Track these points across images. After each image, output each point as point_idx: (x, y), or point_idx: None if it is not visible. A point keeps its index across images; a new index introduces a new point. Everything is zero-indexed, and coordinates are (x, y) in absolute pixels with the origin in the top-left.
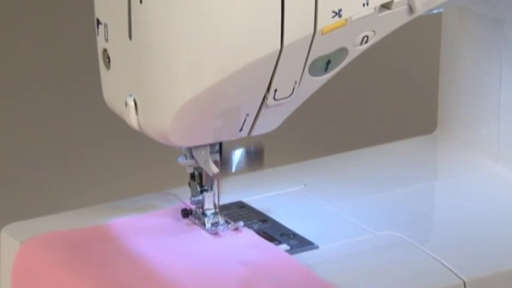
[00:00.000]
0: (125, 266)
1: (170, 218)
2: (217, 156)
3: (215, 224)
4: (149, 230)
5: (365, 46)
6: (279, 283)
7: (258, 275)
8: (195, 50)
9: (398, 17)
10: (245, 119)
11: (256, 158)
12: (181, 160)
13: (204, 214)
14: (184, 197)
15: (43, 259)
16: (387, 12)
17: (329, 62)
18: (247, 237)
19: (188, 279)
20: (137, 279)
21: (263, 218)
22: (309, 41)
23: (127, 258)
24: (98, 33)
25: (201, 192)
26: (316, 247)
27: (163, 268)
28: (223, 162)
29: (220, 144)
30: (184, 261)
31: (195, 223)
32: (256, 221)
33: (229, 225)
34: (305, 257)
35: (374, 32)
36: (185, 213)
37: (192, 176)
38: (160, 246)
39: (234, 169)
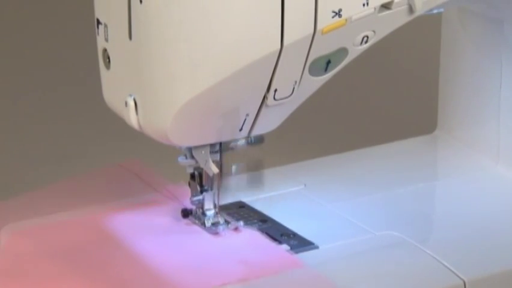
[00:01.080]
0: (122, 264)
1: (170, 217)
2: (217, 156)
3: (215, 224)
4: (148, 230)
5: (365, 46)
6: (279, 282)
7: (258, 274)
8: (195, 50)
9: (398, 17)
10: (245, 119)
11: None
12: (181, 160)
13: (204, 214)
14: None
15: (28, 251)
16: (387, 12)
17: (329, 62)
18: (247, 236)
19: (188, 278)
20: (134, 277)
21: (263, 218)
22: (309, 41)
23: (123, 256)
24: (98, 33)
25: (201, 192)
26: (316, 247)
27: (161, 267)
28: (223, 171)
29: (220, 144)
30: (184, 260)
31: (195, 223)
32: (256, 221)
33: (229, 225)
34: (305, 257)
35: (374, 32)
36: (186, 213)
37: (192, 176)
38: (159, 245)
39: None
